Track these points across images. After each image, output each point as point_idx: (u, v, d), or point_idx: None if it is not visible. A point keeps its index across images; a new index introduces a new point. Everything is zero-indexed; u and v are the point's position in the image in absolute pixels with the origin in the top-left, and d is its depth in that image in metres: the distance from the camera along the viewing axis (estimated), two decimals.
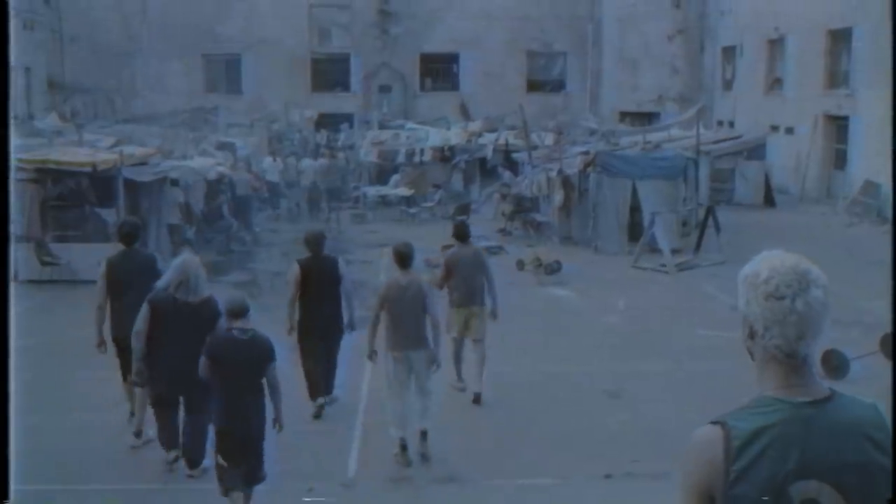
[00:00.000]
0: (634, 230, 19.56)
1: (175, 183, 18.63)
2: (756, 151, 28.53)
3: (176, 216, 18.60)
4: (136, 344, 8.07)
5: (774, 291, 2.39)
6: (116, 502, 7.81)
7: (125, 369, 9.15)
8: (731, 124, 35.99)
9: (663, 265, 17.83)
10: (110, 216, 16.77)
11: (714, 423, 2.41)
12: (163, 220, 18.05)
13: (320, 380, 10.09)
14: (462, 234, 10.82)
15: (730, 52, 38.35)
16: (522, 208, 22.39)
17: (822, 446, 2.30)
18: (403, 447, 8.67)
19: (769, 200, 27.90)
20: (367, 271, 17.43)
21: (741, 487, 2.32)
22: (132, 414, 9.37)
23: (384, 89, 43.09)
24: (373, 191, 27.66)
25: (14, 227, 16.69)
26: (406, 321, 8.79)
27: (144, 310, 8.03)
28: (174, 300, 7.90)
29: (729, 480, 2.32)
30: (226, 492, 7.17)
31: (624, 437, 9.34)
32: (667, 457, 8.71)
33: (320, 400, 10.11)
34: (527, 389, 10.89)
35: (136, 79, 41.65)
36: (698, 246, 18.98)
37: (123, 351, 8.98)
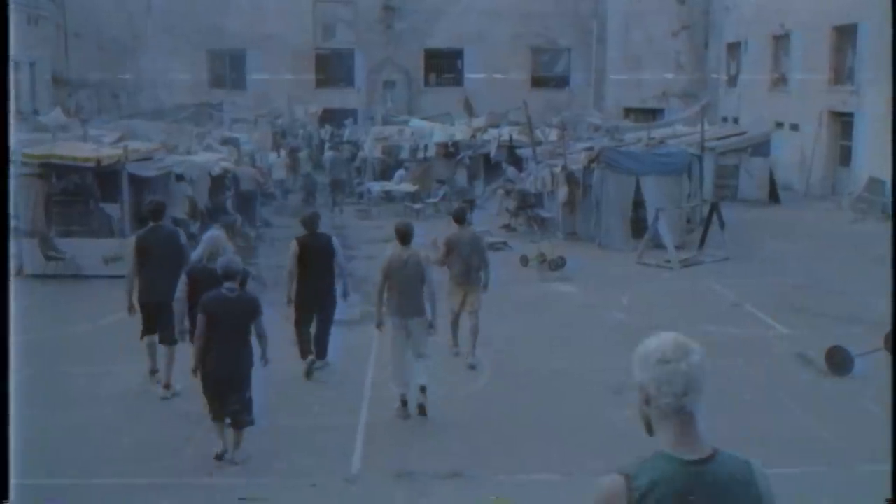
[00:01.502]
0: (639, 226, 19.55)
1: (181, 177, 18.62)
2: (761, 148, 28.44)
3: (183, 210, 18.59)
4: (178, 308, 9.34)
5: (662, 357, 2.92)
6: None
7: (147, 330, 10.46)
8: (736, 120, 35.92)
9: (667, 261, 17.82)
10: (115, 211, 16.79)
11: (619, 473, 2.87)
12: (167, 215, 18.02)
13: (311, 343, 11.18)
14: (460, 217, 11.89)
15: (734, 48, 38.28)
16: (527, 204, 22.34)
17: (705, 500, 2.80)
18: (404, 402, 9.73)
19: (774, 197, 27.85)
20: (371, 267, 17.41)
21: None
22: (153, 372, 10.60)
23: (388, 85, 43.09)
24: (377, 186, 27.62)
25: (19, 222, 16.83)
26: (406, 291, 9.77)
27: (183, 279, 9.32)
28: (206, 268, 9.20)
29: None
30: (216, 417, 8.46)
31: (628, 434, 9.30)
32: None
33: (314, 360, 11.12)
34: (531, 385, 10.88)
35: (141, 74, 41.66)
36: (702, 242, 18.95)
37: (149, 313, 10.36)
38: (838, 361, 11.18)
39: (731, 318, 14.11)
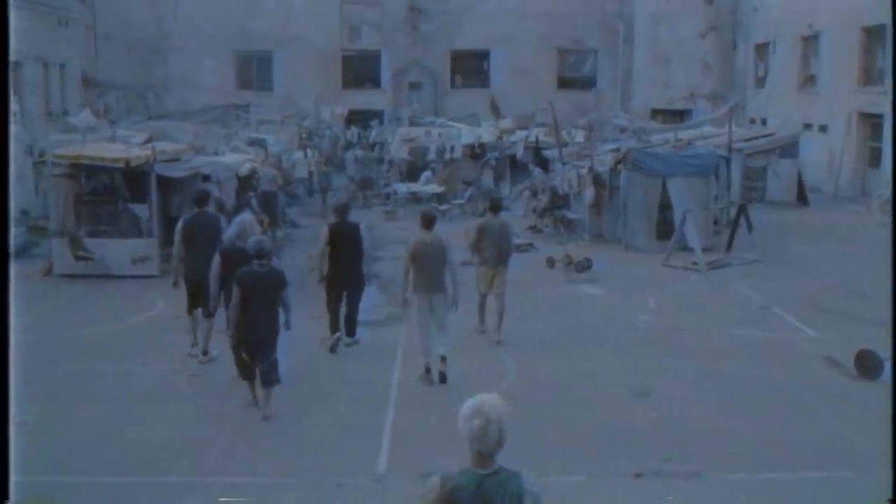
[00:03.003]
0: (666, 228, 19.45)
1: (208, 178, 18.70)
2: (789, 149, 28.23)
3: (210, 210, 18.64)
4: (213, 284, 10.44)
5: (462, 416, 4.19)
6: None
7: (192, 304, 11.61)
8: (764, 122, 35.67)
9: (695, 263, 17.72)
10: (143, 212, 16.89)
11: (438, 476, 4.18)
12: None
13: (339, 321, 12.08)
14: (495, 206, 13.09)
15: (763, 49, 38.04)
16: (553, 205, 22.31)
17: (489, 499, 4.15)
18: (427, 370, 10.75)
19: (802, 198, 27.64)
20: (397, 268, 17.40)
21: None
22: (194, 344, 11.63)
23: (414, 86, 43.15)
24: (403, 188, 27.64)
25: (49, 222, 16.93)
26: (430, 270, 10.78)
27: (217, 258, 10.41)
28: (236, 247, 10.33)
29: None
30: (245, 377, 9.76)
31: (654, 436, 9.29)
32: (697, 456, 8.70)
33: (339, 337, 12.00)
34: (556, 387, 10.86)
35: (169, 75, 42.01)
36: (730, 244, 18.85)
37: (193, 289, 11.48)
38: (868, 365, 11.08)
39: (759, 320, 14.02)
